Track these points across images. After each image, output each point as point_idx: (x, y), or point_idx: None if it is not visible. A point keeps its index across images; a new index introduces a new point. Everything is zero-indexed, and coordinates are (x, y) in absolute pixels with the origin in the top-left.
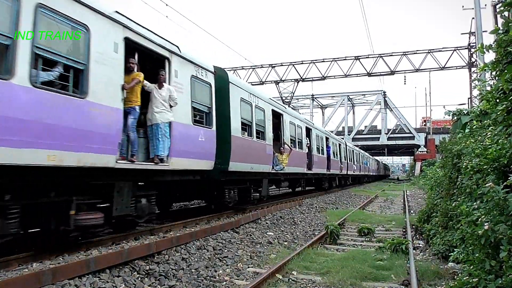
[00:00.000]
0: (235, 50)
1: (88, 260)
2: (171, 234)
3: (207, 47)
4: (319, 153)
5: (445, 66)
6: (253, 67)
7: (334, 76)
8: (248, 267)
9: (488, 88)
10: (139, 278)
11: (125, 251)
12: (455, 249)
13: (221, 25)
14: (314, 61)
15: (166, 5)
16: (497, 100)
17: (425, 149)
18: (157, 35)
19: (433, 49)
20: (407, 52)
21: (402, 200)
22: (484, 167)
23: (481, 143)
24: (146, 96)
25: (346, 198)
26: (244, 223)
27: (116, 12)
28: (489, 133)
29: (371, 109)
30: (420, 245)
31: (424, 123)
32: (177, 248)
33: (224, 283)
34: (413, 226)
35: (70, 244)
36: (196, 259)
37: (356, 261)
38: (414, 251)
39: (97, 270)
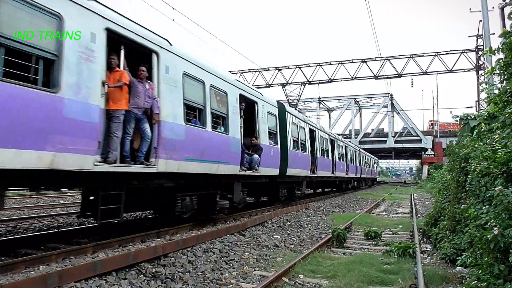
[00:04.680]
0: (241, 53)
1: (94, 263)
2: (177, 237)
3: (213, 50)
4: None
5: (453, 69)
6: (259, 70)
7: (341, 79)
8: (255, 270)
9: (496, 91)
10: (146, 281)
11: (131, 254)
12: (463, 253)
13: (227, 28)
14: (320, 64)
15: (173, 8)
16: (505, 103)
17: (432, 152)
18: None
19: (440, 52)
20: (414, 55)
21: (409, 204)
22: (493, 170)
23: (490, 146)
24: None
25: (353, 202)
26: (251, 226)
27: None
28: (497, 136)
29: (378, 112)
30: (428, 249)
31: (431, 126)
32: (184, 251)
33: (231, 286)
34: (421, 230)
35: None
36: (202, 262)
37: (363, 265)
38: (422, 255)
39: (104, 272)
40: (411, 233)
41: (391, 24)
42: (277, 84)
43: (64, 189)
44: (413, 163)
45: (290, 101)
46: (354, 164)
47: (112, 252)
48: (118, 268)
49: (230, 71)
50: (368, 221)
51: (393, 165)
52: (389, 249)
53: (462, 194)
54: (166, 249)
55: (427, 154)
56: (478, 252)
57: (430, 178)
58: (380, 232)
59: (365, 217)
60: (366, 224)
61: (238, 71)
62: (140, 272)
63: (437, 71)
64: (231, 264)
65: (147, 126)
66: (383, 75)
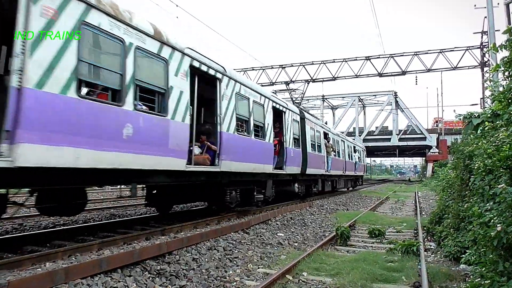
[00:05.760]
0: (245, 50)
1: (100, 260)
2: (181, 235)
3: (217, 48)
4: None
5: (457, 66)
6: (263, 68)
7: (345, 76)
8: (258, 268)
9: (501, 89)
10: (150, 278)
11: (136, 251)
12: (467, 251)
13: (231, 25)
14: (324, 62)
15: (177, 6)
16: (510, 101)
17: (437, 150)
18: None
19: (444, 49)
20: (419, 52)
21: (413, 202)
22: (497, 163)
23: (493, 144)
24: None
25: (357, 200)
26: (254, 224)
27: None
28: (501, 134)
29: (382, 110)
30: (432, 247)
31: (436, 124)
32: (188, 249)
33: (234, 283)
34: (425, 228)
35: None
36: (206, 259)
37: (366, 263)
38: (425, 253)
39: (109, 269)
40: (415, 231)
41: (394, 23)
42: (281, 82)
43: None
44: (418, 161)
45: (294, 99)
46: (285, 145)
47: (117, 249)
48: (123, 265)
49: (234, 69)
50: (372, 219)
51: (397, 163)
52: (393, 247)
53: (466, 192)
54: (171, 246)
55: (432, 152)
56: (481, 249)
57: (434, 176)
58: (384, 230)
59: (369, 215)
60: (370, 222)
61: (242, 69)
62: (145, 269)
63: (441, 69)
64: (235, 262)
65: None
66: (387, 73)
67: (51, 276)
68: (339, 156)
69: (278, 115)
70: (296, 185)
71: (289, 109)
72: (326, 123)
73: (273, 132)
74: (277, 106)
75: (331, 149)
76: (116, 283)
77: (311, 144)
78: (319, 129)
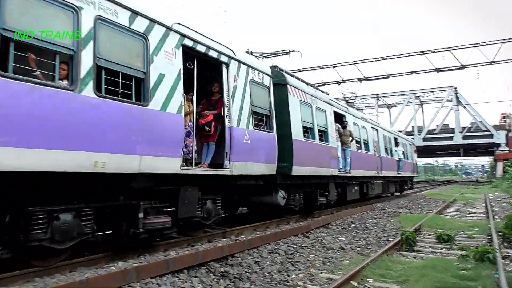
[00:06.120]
0: (296, 50)
1: (167, 261)
2: (242, 238)
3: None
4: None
5: None
6: (313, 68)
7: (399, 73)
8: (321, 273)
9: None
10: (215, 280)
11: (200, 253)
12: None
13: (270, 26)
14: (376, 59)
15: (224, 11)
16: None
17: (507, 148)
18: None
19: (508, 39)
20: (479, 43)
21: (483, 204)
22: None
23: None
24: None
25: (420, 202)
26: (314, 228)
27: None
28: None
29: (441, 107)
30: (510, 255)
31: (503, 120)
32: (249, 251)
33: None
34: (500, 233)
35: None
36: (268, 262)
37: (436, 270)
38: (503, 260)
39: (176, 270)
40: (489, 237)
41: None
42: (333, 81)
43: None
44: (485, 160)
45: (347, 98)
46: (227, 123)
47: (182, 250)
48: (189, 267)
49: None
50: (439, 223)
51: (462, 162)
52: (465, 253)
53: None
54: (233, 249)
55: (501, 150)
56: None
57: (506, 176)
58: (453, 235)
59: (435, 219)
60: (437, 226)
61: (292, 70)
62: (209, 271)
63: (505, 60)
64: (297, 266)
65: None
66: (444, 68)
67: (124, 275)
68: (367, 150)
69: (213, 68)
70: (280, 194)
71: (240, 61)
72: (346, 100)
73: (185, 98)
74: (200, 48)
75: (350, 138)
76: (183, 283)
77: (304, 128)
78: (322, 105)
